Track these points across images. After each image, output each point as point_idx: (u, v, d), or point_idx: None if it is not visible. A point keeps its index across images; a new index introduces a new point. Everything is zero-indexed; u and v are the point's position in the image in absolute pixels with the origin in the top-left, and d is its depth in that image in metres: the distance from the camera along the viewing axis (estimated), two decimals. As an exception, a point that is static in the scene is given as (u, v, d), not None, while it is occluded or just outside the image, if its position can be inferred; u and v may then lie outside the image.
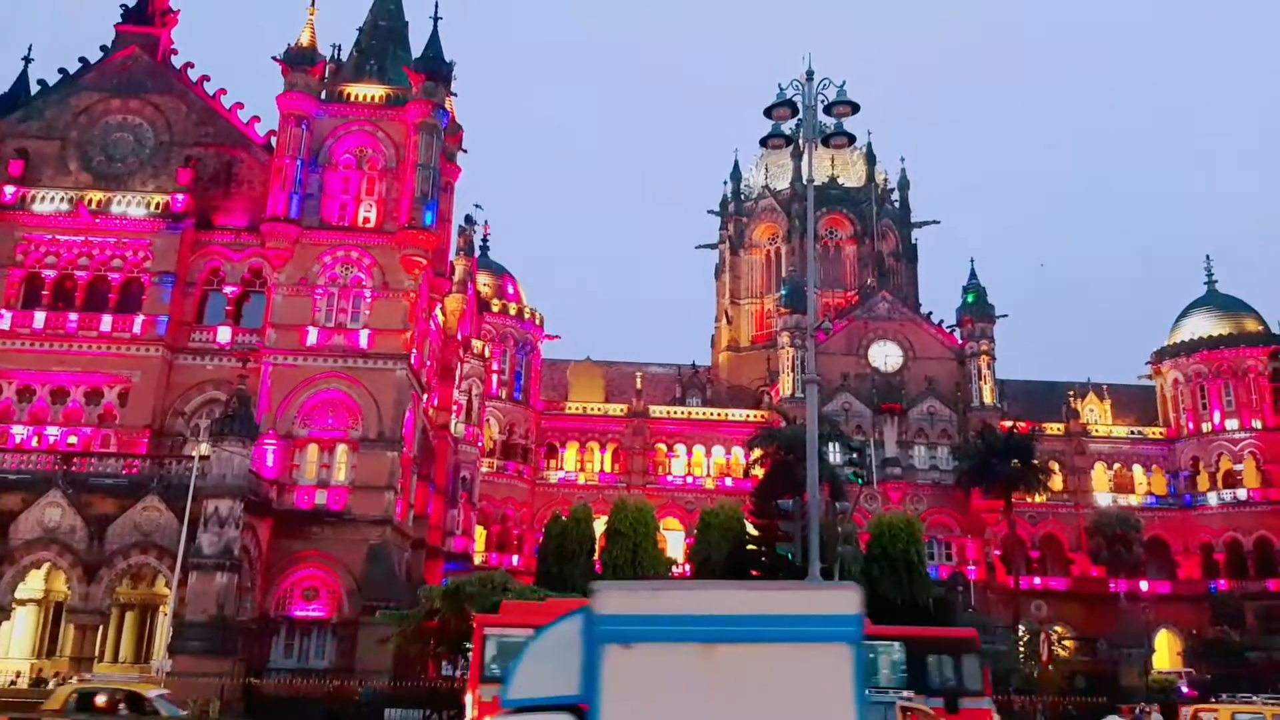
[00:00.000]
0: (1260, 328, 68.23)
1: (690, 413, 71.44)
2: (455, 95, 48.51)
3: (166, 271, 41.78)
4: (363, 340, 41.65)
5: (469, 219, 58.64)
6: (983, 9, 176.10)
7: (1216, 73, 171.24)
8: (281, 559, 38.39)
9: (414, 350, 42.77)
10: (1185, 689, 46.04)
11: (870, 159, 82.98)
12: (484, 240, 68.36)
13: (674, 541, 64.20)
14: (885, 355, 69.66)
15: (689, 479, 69.26)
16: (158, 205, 42.68)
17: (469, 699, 20.95)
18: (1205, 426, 67.04)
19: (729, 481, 67.55)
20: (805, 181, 21.62)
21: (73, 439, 39.78)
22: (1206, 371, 67.43)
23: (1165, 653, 60.65)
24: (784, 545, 39.03)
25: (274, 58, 43.54)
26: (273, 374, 40.67)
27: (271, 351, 40.99)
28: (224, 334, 42.03)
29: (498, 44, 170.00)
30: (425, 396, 47.21)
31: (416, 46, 46.03)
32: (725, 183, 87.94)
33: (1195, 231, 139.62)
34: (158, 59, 45.90)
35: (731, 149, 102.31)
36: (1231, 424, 66.33)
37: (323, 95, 44.21)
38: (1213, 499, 65.91)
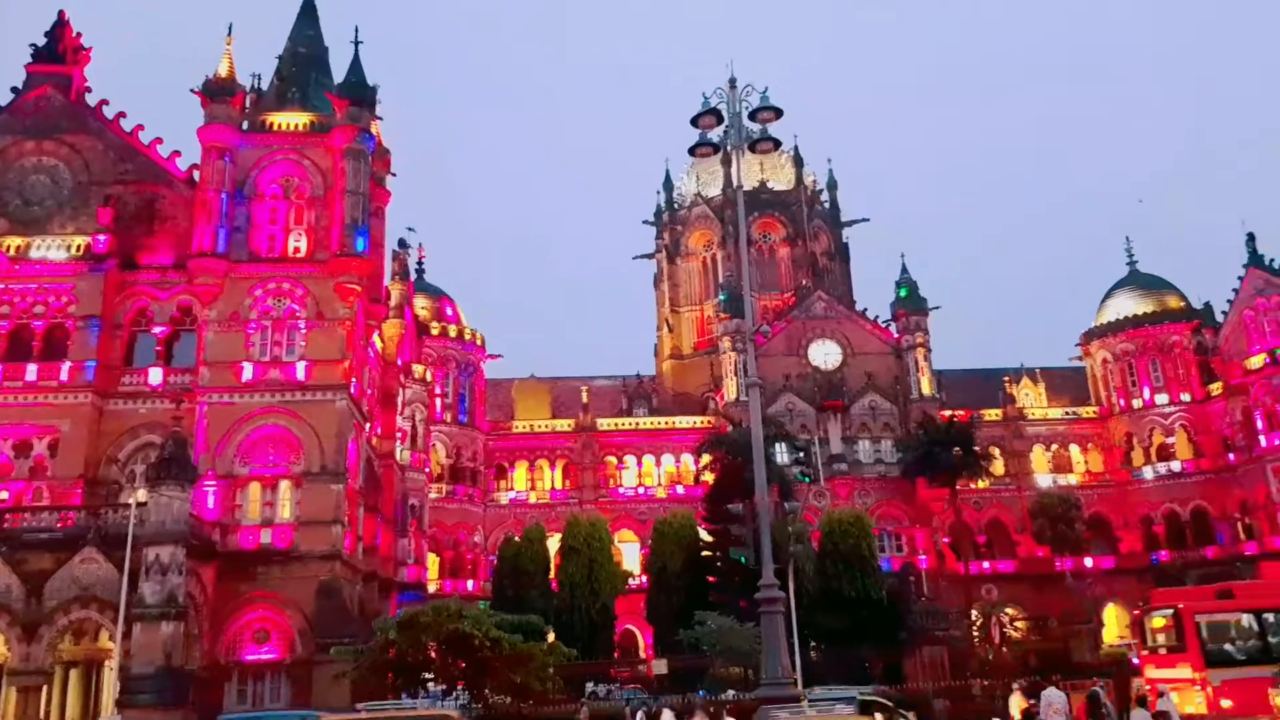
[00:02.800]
0: (1182, 304, 70.60)
1: (638, 423, 71.55)
2: (381, 119, 48.15)
3: (91, 315, 40.64)
4: (300, 372, 40.96)
5: (402, 243, 58.11)
6: (902, 7, 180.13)
7: (1131, 60, 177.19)
8: (229, 602, 37.46)
9: (353, 379, 42.19)
10: (1136, 660, 47.22)
11: (798, 162, 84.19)
12: (419, 263, 67.71)
13: (629, 554, 64.22)
14: (825, 354, 70.60)
15: (641, 489, 69.28)
16: (79, 247, 41.54)
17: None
18: (1136, 403, 69.12)
19: (680, 489, 67.73)
20: (735, 188, 21.87)
21: (3, 494, 38.41)
22: (1134, 349, 69.57)
23: (1114, 626, 62.16)
24: (737, 549, 39.38)
25: (193, 90, 42.76)
26: (208, 413, 39.77)
27: (206, 390, 40.10)
28: (155, 375, 40.99)
29: (423, 66, 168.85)
30: (368, 425, 46.58)
31: (338, 72, 45.62)
32: (658, 192, 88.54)
33: (1116, 213, 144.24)
34: (71, 98, 44.77)
35: (663, 158, 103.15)
36: (1161, 399, 68.49)
37: (245, 125, 43.53)
38: (1148, 473, 67.91)
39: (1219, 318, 67.54)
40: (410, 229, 64.71)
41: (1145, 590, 61.82)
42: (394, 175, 52.40)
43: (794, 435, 62.92)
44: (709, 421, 68.26)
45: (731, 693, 36.07)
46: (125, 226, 42.44)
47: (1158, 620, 24.23)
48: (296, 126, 44.07)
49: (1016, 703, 25.58)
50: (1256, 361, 62.50)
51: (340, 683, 32.55)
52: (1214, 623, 22.71)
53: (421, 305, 65.13)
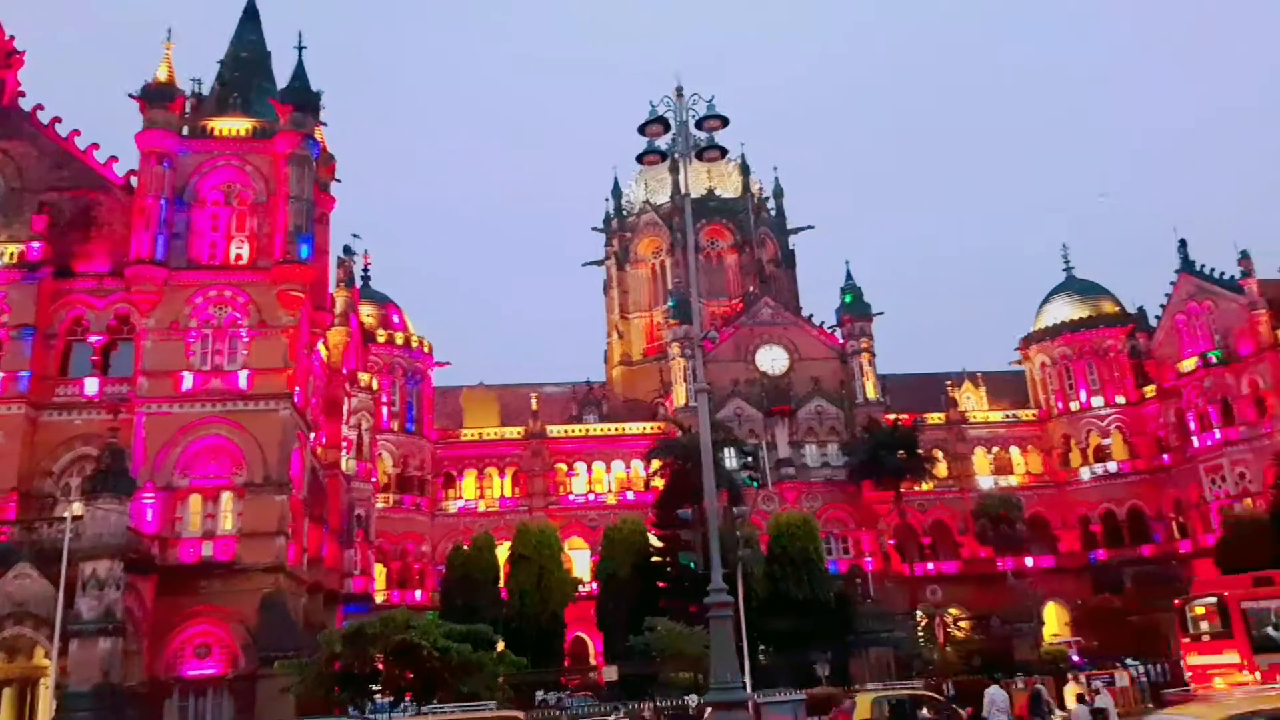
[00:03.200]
0: (1117, 309, 72.61)
1: (588, 430, 71.50)
2: (325, 125, 47.53)
3: (25, 324, 39.46)
4: (242, 382, 40.25)
5: (347, 249, 57.39)
6: (846, 16, 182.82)
7: (1072, 71, 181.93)
8: (169, 617, 36.59)
9: (297, 388, 41.56)
10: (1075, 657, 48.43)
11: (745, 170, 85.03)
12: (365, 270, 67.04)
13: (580, 560, 64.10)
14: (772, 359, 71.28)
15: (591, 496, 69.24)
16: (12, 255, 40.35)
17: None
18: (1073, 405, 70.88)
19: (631, 495, 67.84)
20: (683, 195, 22.04)
21: (-70, 510, 37.14)
22: (1071, 353, 71.37)
23: (1054, 623, 63.63)
24: (686, 554, 39.65)
25: (131, 94, 41.79)
26: (147, 424, 38.87)
27: (144, 400, 39.20)
28: (91, 385, 39.95)
29: (368, 72, 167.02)
30: (312, 435, 45.93)
31: (281, 77, 44.94)
32: (607, 199, 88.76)
33: (1054, 219, 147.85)
34: (4, 102, 43.52)
35: (611, 166, 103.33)
36: (1097, 401, 70.33)
37: (185, 131, 42.67)
38: (1085, 474, 69.66)
39: (1152, 322, 69.55)
40: (356, 235, 64.01)
41: (1083, 588, 63.90)
42: (338, 181, 51.77)
43: (742, 440, 63.44)
44: (659, 427, 68.49)
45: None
46: (60, 233, 41.31)
47: (1199, 608, 25.29)
48: (238, 132, 43.37)
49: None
50: (1189, 365, 64.46)
51: (284, 697, 32.04)
52: (1256, 609, 23.66)
53: (367, 312, 64.43)
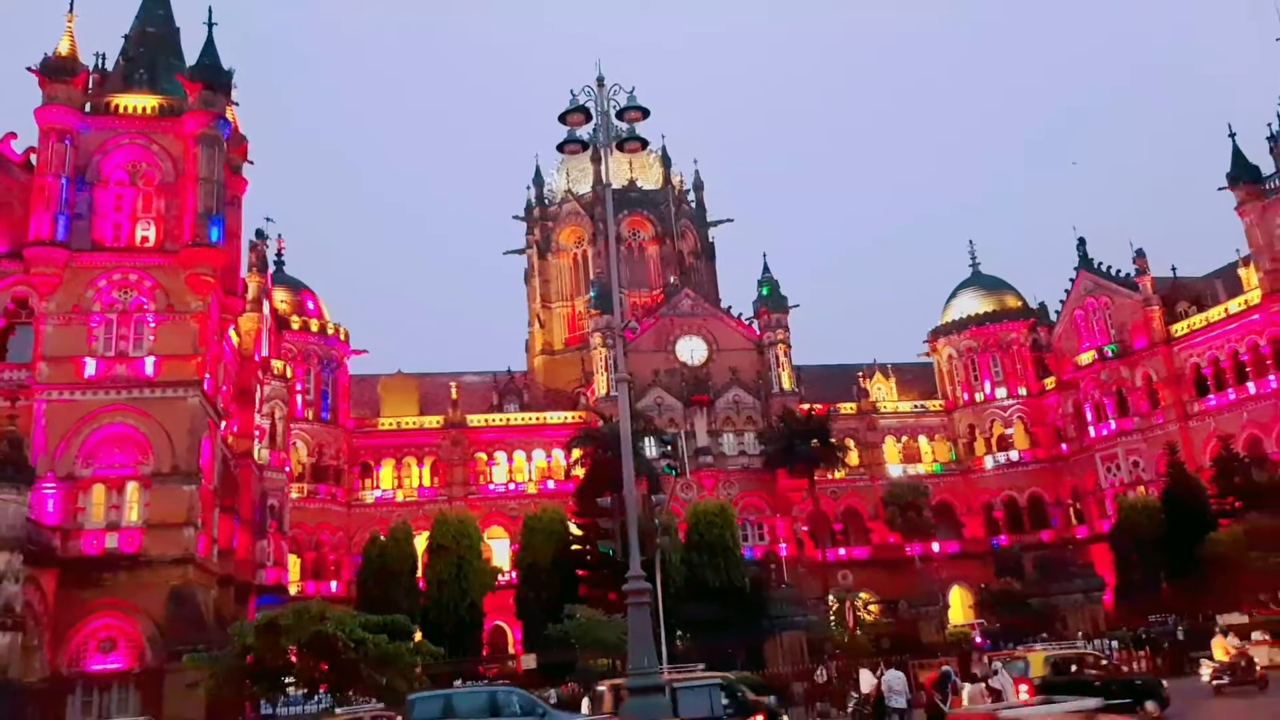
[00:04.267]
0: (1020, 304, 75.36)
1: (509, 419, 71.21)
2: (237, 104, 46.27)
3: (-86, 307, 37.71)
4: (149, 368, 39.08)
5: (260, 233, 55.96)
6: (763, 15, 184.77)
7: (987, 68, 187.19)
8: (71, 611, 35.46)
9: (207, 375, 40.52)
10: (978, 638, 50.34)
11: (666, 162, 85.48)
12: (279, 255, 65.44)
13: (500, 550, 63.87)
14: (691, 350, 72.01)
15: (511, 485, 69.00)
16: (-104, 234, 38.42)
17: None
18: (978, 396, 73.40)
19: (551, 484, 67.81)
20: (604, 185, 22.19)
21: None
22: (976, 346, 73.85)
23: (959, 606, 65.94)
24: (605, 543, 39.88)
25: (29, 68, 40.11)
26: (47, 411, 37.48)
27: (44, 387, 37.77)
28: (-14, 371, 38.32)
29: (283, 54, 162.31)
30: (223, 424, 44.82)
31: (190, 55, 43.63)
32: (528, 188, 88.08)
33: (962, 215, 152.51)
34: (-115, 72, 41.31)
35: (533, 154, 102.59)
36: (1000, 393, 72.97)
37: (87, 108, 41.14)
38: (989, 462, 72.26)
39: (1053, 317, 72.38)
40: (269, 219, 62.54)
41: (986, 572, 66.37)
42: (251, 163, 50.44)
43: (662, 429, 63.95)
44: (580, 417, 68.60)
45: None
46: (-49, 212, 39.47)
47: None
48: (145, 110, 41.96)
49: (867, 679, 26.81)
50: (1086, 358, 67.34)
51: (194, 691, 31.30)
52: None
53: (281, 298, 62.95)
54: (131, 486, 38.03)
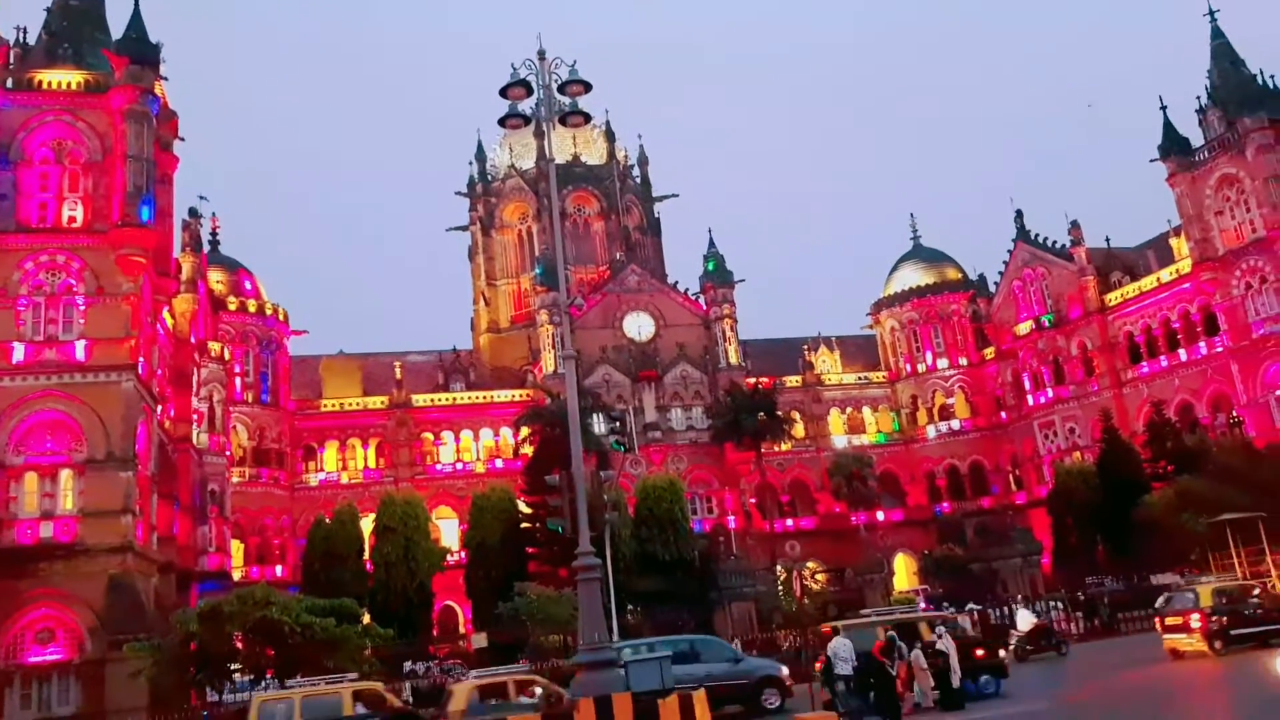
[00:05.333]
0: (960, 275, 76.60)
1: (455, 398, 70.61)
2: (166, 79, 44.86)
3: None
4: (79, 352, 37.93)
5: (193, 212, 54.39)
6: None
7: (931, 43, 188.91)
8: (7, 602, 34.51)
9: (141, 359, 39.45)
10: (923, 604, 51.41)
11: (610, 137, 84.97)
12: (214, 235, 63.84)
13: (448, 530, 63.53)
14: (639, 326, 72.01)
15: (459, 465, 68.57)
16: None
17: None
18: (920, 367, 74.61)
19: (500, 463, 67.56)
20: (548, 160, 21.88)
21: None
22: (918, 318, 74.98)
23: (903, 573, 67.34)
24: (554, 520, 39.78)
25: (-58, 42, 38.39)
26: (-27, 398, 36.21)
27: (-31, 374, 36.43)
28: (-93, 358, 36.87)
29: (215, 29, 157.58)
30: (159, 408, 43.72)
31: (116, 29, 42.11)
32: (471, 163, 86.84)
33: (903, 189, 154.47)
34: None
35: (474, 129, 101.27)
36: (942, 363, 74.25)
37: (8, 84, 39.58)
38: (931, 431, 73.62)
39: (992, 288, 73.79)
40: (202, 197, 60.66)
41: (930, 539, 67.85)
42: (182, 140, 48.90)
43: (610, 405, 64.05)
44: (528, 395, 68.30)
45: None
46: None
47: None
48: (69, 85, 40.45)
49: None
50: (1024, 328, 68.80)
51: (136, 681, 30.75)
52: None
53: (217, 279, 61.47)
54: (65, 474, 37.03)
